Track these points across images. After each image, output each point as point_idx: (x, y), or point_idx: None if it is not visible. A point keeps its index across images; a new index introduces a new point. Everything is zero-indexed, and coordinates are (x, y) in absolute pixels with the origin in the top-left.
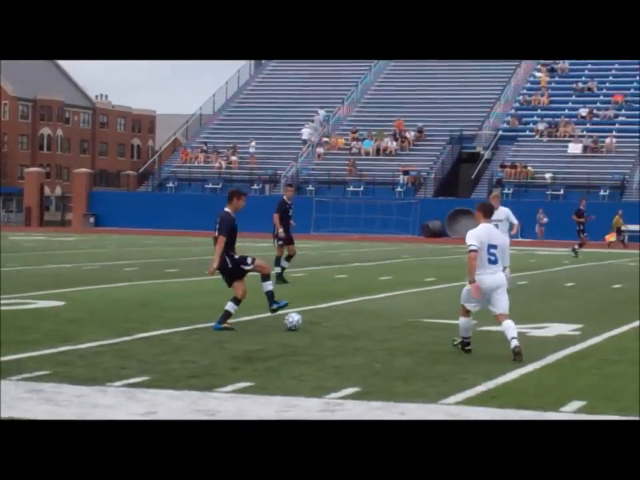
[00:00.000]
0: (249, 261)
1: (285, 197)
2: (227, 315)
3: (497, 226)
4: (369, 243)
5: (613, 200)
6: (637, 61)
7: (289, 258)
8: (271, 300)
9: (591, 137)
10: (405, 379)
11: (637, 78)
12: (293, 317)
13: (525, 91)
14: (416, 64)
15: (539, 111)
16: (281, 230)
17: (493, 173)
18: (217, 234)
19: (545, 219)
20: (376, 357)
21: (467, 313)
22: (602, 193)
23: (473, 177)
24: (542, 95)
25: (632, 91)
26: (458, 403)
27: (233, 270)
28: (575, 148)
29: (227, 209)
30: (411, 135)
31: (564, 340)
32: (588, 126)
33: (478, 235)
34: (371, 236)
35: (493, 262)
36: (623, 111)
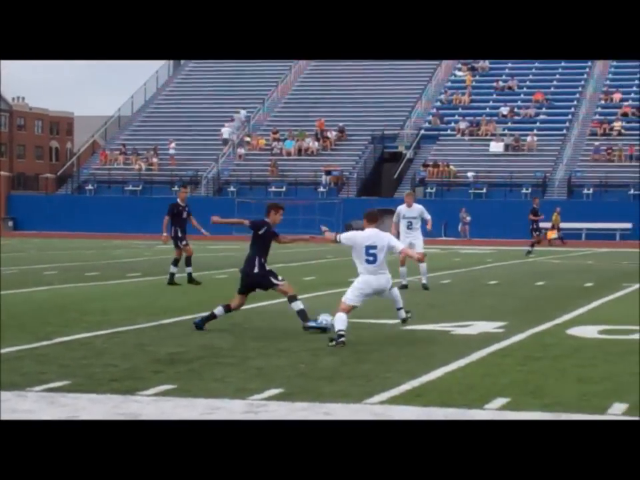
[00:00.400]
0: (280, 278)
1: (178, 199)
2: (212, 316)
3: (410, 223)
4: (292, 244)
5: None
6: (557, 60)
7: (188, 260)
8: (303, 318)
9: (513, 135)
10: (329, 379)
11: (557, 76)
12: (325, 317)
13: (446, 90)
14: (336, 63)
15: (460, 110)
16: (164, 235)
17: (416, 172)
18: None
19: (468, 218)
20: (300, 357)
21: (348, 310)
22: (524, 191)
23: (395, 176)
24: (463, 94)
25: (552, 89)
26: (382, 402)
27: (256, 275)
28: (496, 146)
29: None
30: (332, 134)
31: (488, 337)
32: (509, 124)
33: (353, 235)
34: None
35: (372, 262)
36: (544, 110)
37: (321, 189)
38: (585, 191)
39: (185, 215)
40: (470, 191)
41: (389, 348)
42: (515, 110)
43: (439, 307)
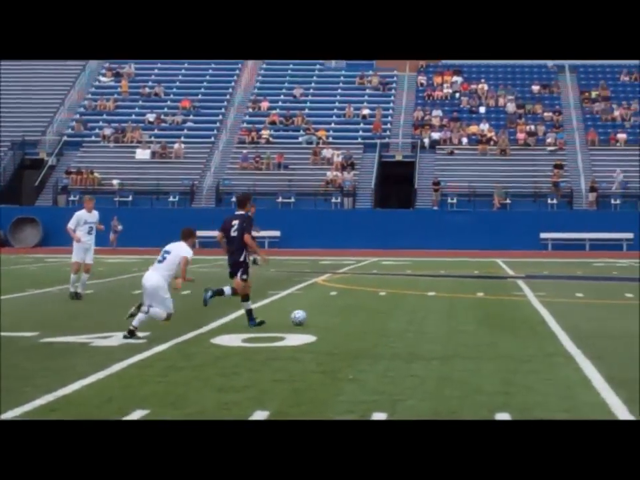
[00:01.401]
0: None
1: None
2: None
3: (91, 229)
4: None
5: (183, 206)
6: (204, 65)
7: None
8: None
9: (159, 142)
10: None
11: (204, 84)
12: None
13: (90, 96)
14: None
15: (105, 116)
16: None
17: (58, 179)
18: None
19: (120, 227)
20: None
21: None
22: (172, 199)
23: (37, 183)
24: (108, 100)
25: (200, 96)
26: (15, 418)
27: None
28: (142, 154)
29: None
30: None
31: (129, 348)
32: (156, 131)
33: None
34: None
35: (161, 261)
36: (192, 117)
37: None
38: (233, 199)
39: None
40: (115, 199)
41: (26, 362)
42: (162, 117)
43: (81, 317)
